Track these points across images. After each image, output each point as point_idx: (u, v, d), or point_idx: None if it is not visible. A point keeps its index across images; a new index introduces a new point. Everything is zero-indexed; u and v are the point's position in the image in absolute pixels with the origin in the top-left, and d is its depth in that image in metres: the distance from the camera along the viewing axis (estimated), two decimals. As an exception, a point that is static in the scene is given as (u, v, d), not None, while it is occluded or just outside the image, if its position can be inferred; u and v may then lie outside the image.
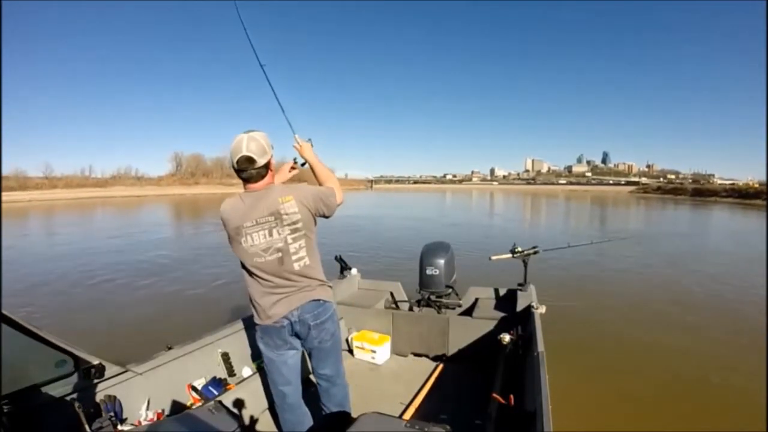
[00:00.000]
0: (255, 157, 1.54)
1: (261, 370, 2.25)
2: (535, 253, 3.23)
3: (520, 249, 3.20)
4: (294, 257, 1.60)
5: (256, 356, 2.49)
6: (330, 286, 1.76)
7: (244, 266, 1.65)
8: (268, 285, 1.62)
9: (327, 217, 1.71)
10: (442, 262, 3.21)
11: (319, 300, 1.67)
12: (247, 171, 1.55)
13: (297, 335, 1.70)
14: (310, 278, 1.66)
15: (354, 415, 1.33)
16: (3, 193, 43.53)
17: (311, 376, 1.89)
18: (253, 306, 1.67)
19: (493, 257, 3.42)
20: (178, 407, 2.06)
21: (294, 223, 1.59)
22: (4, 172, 54.75)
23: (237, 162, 1.55)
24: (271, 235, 1.57)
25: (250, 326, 2.48)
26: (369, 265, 7.73)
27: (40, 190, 51.61)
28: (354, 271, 3.72)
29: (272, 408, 2.03)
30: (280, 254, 1.58)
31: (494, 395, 1.91)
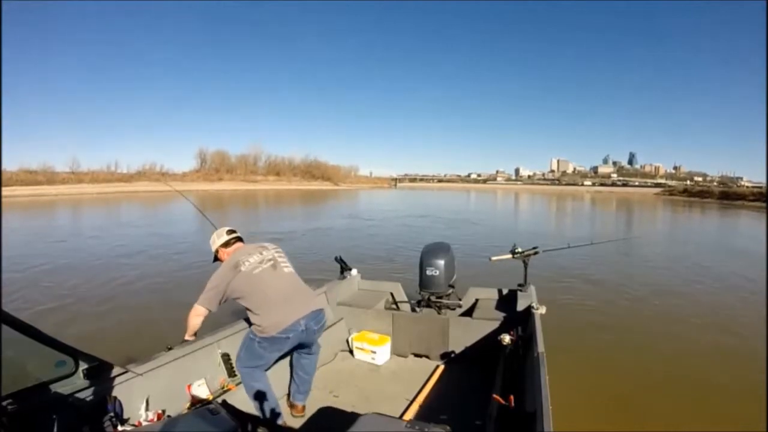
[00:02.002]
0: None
1: None
2: (536, 253, 3.22)
3: (520, 249, 3.20)
4: (282, 263, 2.17)
5: None
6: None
7: (241, 297, 2.03)
8: (271, 296, 2.02)
9: None
10: (442, 262, 3.21)
11: (321, 310, 2.18)
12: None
13: (300, 341, 2.10)
14: (303, 286, 2.19)
15: (355, 415, 1.33)
16: (34, 187, 44.02)
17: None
18: (257, 320, 2.02)
19: (494, 258, 3.42)
20: (178, 408, 2.05)
21: (276, 248, 2.23)
22: (34, 167, 55.33)
23: (227, 232, 2.23)
24: (261, 254, 2.14)
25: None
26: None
27: (67, 185, 51.18)
28: (354, 272, 3.72)
29: (272, 408, 2.03)
30: (272, 261, 2.12)
31: (494, 396, 1.90)
